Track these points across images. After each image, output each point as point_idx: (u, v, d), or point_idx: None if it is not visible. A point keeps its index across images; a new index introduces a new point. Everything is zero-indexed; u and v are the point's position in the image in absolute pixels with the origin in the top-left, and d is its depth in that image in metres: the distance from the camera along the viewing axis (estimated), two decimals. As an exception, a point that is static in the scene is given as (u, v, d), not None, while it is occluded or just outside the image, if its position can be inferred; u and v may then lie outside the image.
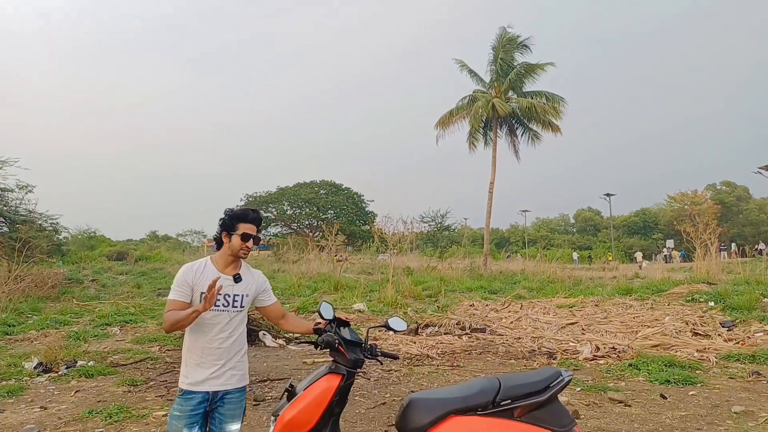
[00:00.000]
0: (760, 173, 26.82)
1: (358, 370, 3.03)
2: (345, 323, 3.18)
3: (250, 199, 50.12)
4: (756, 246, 41.62)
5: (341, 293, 16.91)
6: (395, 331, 3.28)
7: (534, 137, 32.40)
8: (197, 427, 2.94)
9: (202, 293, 2.94)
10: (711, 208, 57.42)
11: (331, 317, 3.19)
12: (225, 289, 2.96)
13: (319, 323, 3.21)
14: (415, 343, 9.54)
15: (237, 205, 50.07)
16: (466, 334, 10.83)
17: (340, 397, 2.93)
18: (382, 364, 3.48)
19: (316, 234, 42.42)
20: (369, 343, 3.14)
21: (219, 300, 2.95)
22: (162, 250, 35.90)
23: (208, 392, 2.97)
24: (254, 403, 6.24)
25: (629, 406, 5.96)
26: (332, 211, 49.65)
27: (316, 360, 8.54)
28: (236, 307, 3.07)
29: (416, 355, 8.94)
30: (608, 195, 55.66)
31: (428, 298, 16.71)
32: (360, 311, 13.58)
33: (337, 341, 3.00)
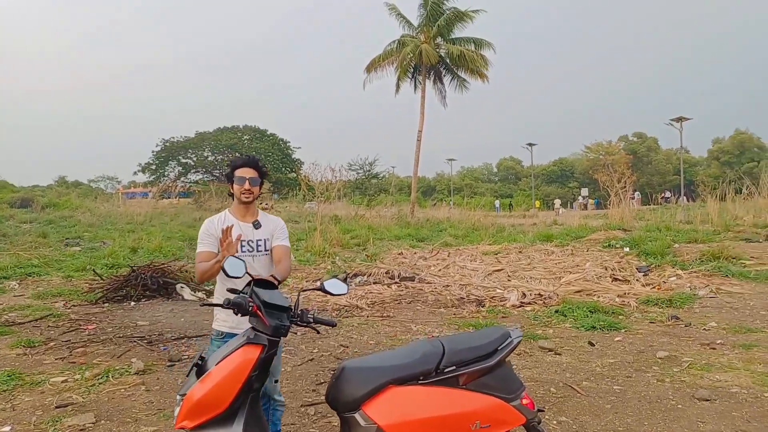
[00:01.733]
0: (671, 125, 27.99)
1: (282, 338, 2.55)
2: (271, 284, 2.69)
3: (167, 144, 47.39)
4: (662, 194, 44.07)
5: (266, 242, 16.32)
6: (333, 295, 2.81)
7: (462, 85, 32.28)
8: None
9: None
10: (623, 158, 60.05)
11: (241, 275, 2.68)
12: (247, 235, 3.19)
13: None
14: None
15: (153, 151, 47.17)
16: (396, 283, 10.68)
17: (260, 371, 2.46)
18: (318, 333, 3.03)
19: (240, 181, 40.84)
20: (300, 308, 2.63)
21: (244, 246, 3.15)
22: (72, 196, 33.27)
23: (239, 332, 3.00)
24: (168, 363, 5.73)
25: (560, 354, 5.95)
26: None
27: (238, 314, 8.07)
28: (260, 251, 3.26)
29: (345, 306, 8.68)
30: (530, 145, 56.88)
31: (356, 247, 16.45)
32: (286, 261, 13.12)
33: (251, 303, 2.47)
